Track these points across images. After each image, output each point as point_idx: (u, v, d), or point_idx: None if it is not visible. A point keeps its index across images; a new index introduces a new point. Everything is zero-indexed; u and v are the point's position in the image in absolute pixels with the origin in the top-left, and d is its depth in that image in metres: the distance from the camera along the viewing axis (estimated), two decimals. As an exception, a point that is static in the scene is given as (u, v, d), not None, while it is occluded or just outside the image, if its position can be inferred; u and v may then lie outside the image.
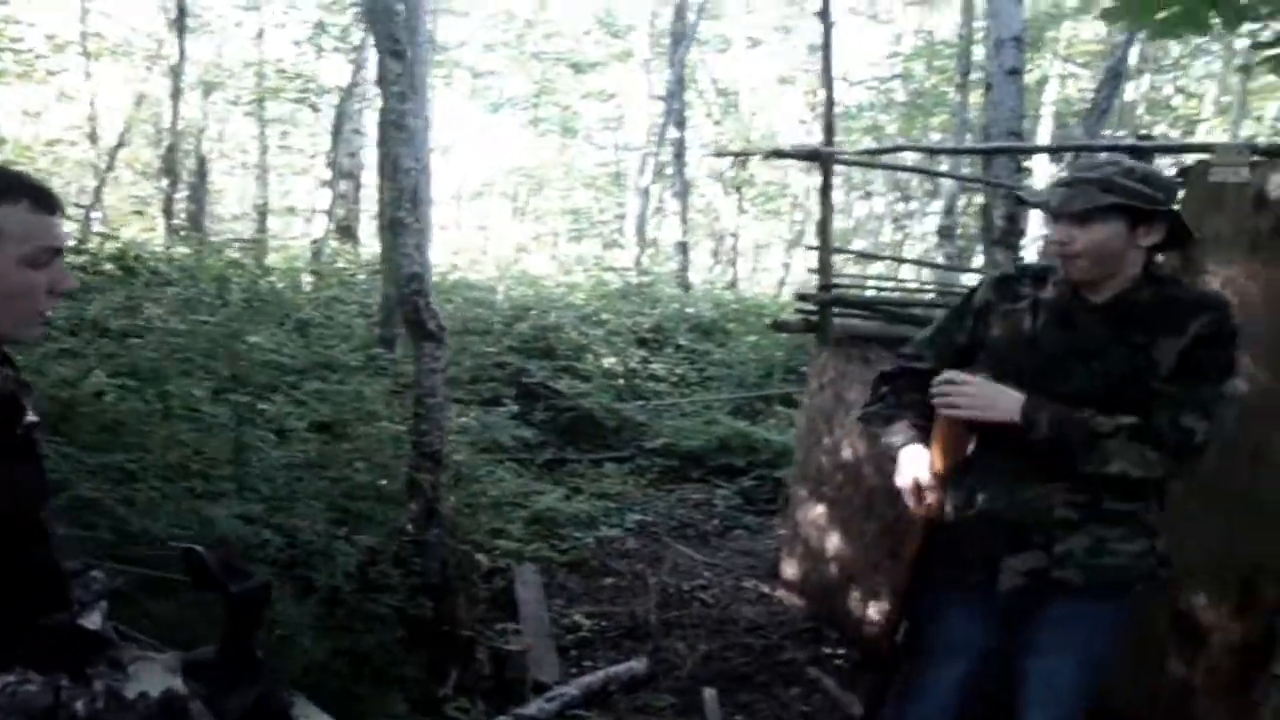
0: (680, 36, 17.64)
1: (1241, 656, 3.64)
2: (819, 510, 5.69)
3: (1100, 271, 2.58)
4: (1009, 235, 9.95)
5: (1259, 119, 21.27)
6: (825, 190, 5.86)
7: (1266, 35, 3.96)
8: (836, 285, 5.95)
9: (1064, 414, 2.54)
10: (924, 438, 2.74)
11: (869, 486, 5.38)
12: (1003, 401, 2.57)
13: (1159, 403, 2.52)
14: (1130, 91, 18.88)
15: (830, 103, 6.05)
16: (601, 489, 7.50)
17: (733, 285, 19.74)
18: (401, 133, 4.40)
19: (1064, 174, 2.70)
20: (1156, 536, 2.70)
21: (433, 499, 4.48)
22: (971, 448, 2.74)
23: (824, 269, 5.87)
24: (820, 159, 5.81)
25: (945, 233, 18.37)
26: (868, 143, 23.81)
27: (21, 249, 1.57)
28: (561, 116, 25.84)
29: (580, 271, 16.31)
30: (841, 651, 5.16)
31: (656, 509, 7.39)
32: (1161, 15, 3.95)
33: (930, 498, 2.67)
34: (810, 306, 5.97)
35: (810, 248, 6.51)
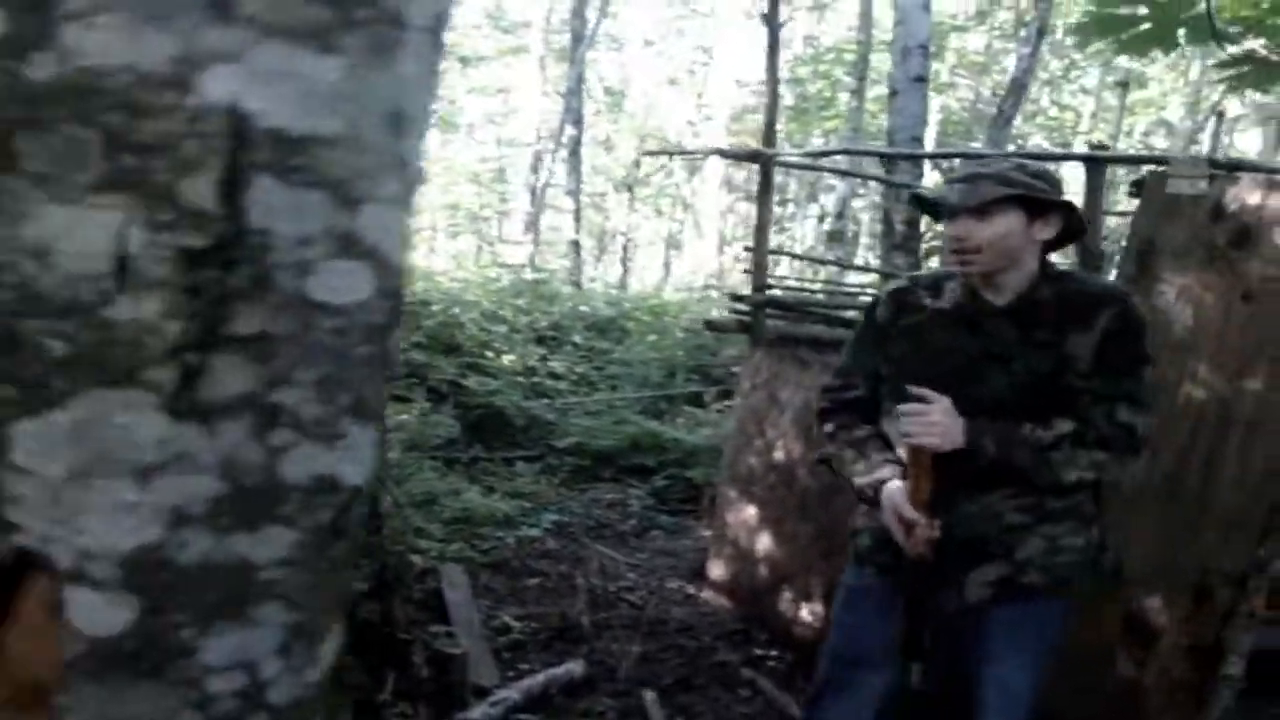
0: (580, 34, 17.54)
1: (1193, 658, 3.70)
2: (749, 511, 5.66)
3: (998, 266, 2.58)
4: (909, 239, 10.12)
5: (1129, 133, 22.04)
6: (764, 192, 5.83)
7: (1226, 56, 4.06)
8: (770, 286, 5.94)
9: (1006, 435, 2.54)
10: (897, 469, 2.70)
11: (803, 488, 5.37)
12: (954, 425, 2.56)
13: (1089, 401, 2.55)
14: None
15: (774, 104, 6.03)
16: (515, 488, 7.38)
17: (623, 284, 19.73)
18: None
19: (958, 172, 2.66)
20: (1095, 524, 2.73)
21: (375, 497, 4.33)
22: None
23: (759, 270, 5.86)
24: (761, 160, 5.79)
25: (835, 236, 18.66)
26: (754, 144, 24.10)
27: None
28: (444, 110, 25.53)
29: (468, 267, 16.08)
30: (774, 653, 5.13)
31: (572, 509, 7.29)
32: (1131, 33, 4.02)
33: (921, 533, 2.60)
34: (744, 307, 5.95)
35: (746, 249, 6.47)
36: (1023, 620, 2.69)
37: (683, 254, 25.10)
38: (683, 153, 19.51)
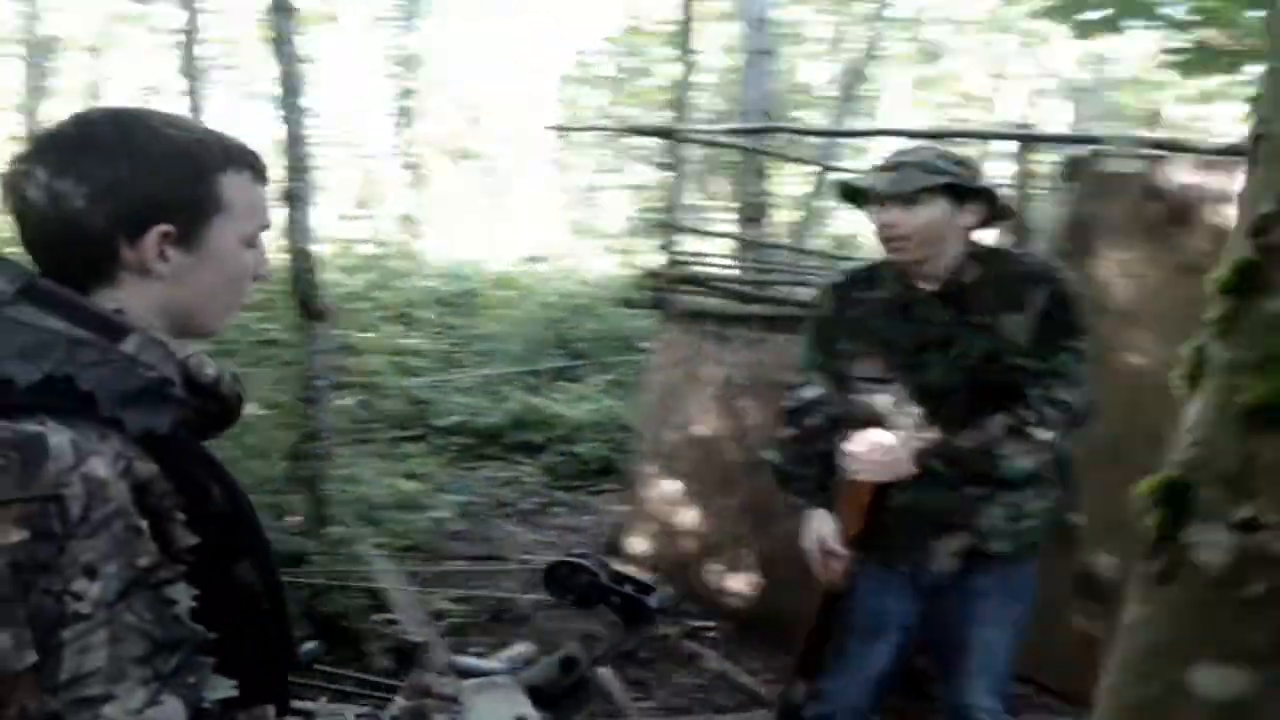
0: (415, 4, 17.23)
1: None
2: (671, 486, 5.72)
3: (927, 252, 2.66)
4: (757, 213, 10.34)
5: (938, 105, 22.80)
6: (674, 168, 5.87)
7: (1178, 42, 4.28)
8: (682, 263, 5.98)
9: (951, 449, 2.64)
10: (827, 499, 2.81)
11: (725, 463, 5.45)
12: (901, 457, 2.64)
13: (1027, 379, 2.65)
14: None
15: (686, 83, 6.06)
16: (409, 469, 7.26)
17: (460, 257, 19.50)
18: (295, 98, 4.10)
19: (885, 161, 2.73)
20: (1057, 488, 2.84)
21: (319, 485, 4.23)
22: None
23: (670, 247, 5.90)
24: (671, 136, 5.82)
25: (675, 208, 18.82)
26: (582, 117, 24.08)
27: (245, 227, 1.35)
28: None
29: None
30: (711, 624, 5.21)
31: (470, 489, 7.22)
32: (1094, 16, 4.20)
33: (838, 565, 2.72)
34: (657, 283, 5.98)
35: (659, 225, 6.50)
36: (997, 585, 2.81)
37: (512, 227, 24.96)
38: (588, 128, 19.33)
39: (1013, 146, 5.02)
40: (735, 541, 5.31)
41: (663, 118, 23.15)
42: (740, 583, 5.29)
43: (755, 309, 5.65)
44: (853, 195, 2.78)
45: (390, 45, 17.77)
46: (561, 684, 1.48)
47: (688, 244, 6.03)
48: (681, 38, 18.07)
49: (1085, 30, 4.35)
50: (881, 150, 3.73)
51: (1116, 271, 4.13)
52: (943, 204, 2.61)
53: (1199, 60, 4.07)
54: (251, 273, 1.40)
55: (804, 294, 5.21)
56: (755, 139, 7.67)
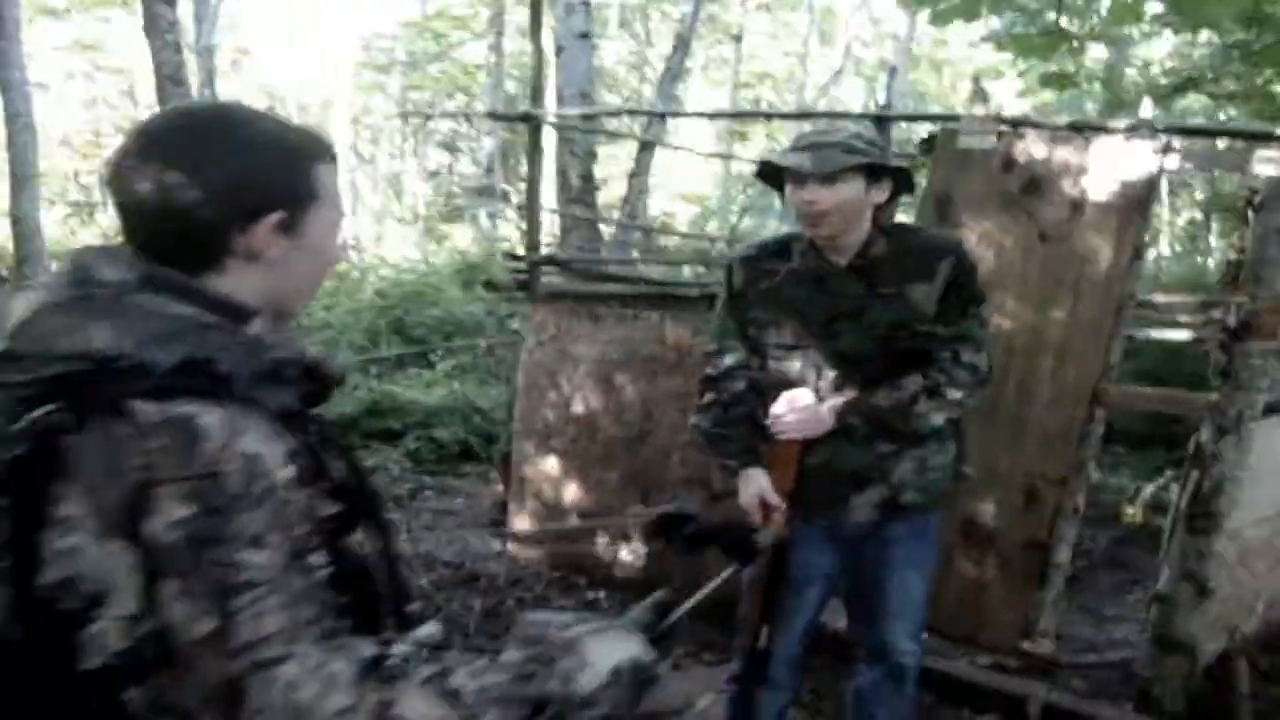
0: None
1: (1027, 553, 4.28)
2: (551, 463, 5.86)
3: (845, 228, 2.85)
4: (585, 193, 10.51)
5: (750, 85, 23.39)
6: (534, 152, 5.98)
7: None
8: (547, 244, 6.11)
9: (869, 407, 2.87)
10: (758, 458, 2.97)
11: (607, 437, 5.63)
12: (822, 415, 2.85)
13: (936, 345, 2.89)
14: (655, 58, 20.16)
15: (538, 66, 6.16)
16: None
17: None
18: (179, 87, 4.07)
19: (803, 140, 2.88)
20: (955, 441, 3.09)
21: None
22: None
23: (533, 229, 6.02)
24: (530, 120, 5.93)
25: (486, 191, 18.85)
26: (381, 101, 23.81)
27: (333, 214, 1.46)
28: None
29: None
30: (603, 594, 5.38)
31: (335, 477, 7.19)
32: (944, 5, 4.50)
33: (779, 518, 2.87)
34: (521, 266, 6.09)
35: (520, 208, 6.58)
36: (909, 533, 3.07)
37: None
38: (444, 114, 18.98)
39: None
40: (620, 514, 5.50)
41: (458, 103, 23.25)
42: (627, 553, 5.48)
43: (615, 288, 5.83)
44: (772, 174, 2.94)
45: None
46: (657, 627, 1.60)
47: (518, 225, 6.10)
48: (495, 22, 18.23)
49: (943, 16, 4.65)
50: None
51: (978, 241, 4.44)
52: (859, 182, 2.79)
53: (1048, 43, 4.41)
54: (335, 259, 1.51)
55: (661, 272, 5.40)
56: (596, 121, 7.81)
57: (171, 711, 1.19)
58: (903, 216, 5.14)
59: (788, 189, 2.89)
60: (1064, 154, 4.37)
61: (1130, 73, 12.25)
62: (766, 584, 2.97)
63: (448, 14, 21.75)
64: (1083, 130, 4.41)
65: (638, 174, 11.90)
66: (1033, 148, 4.45)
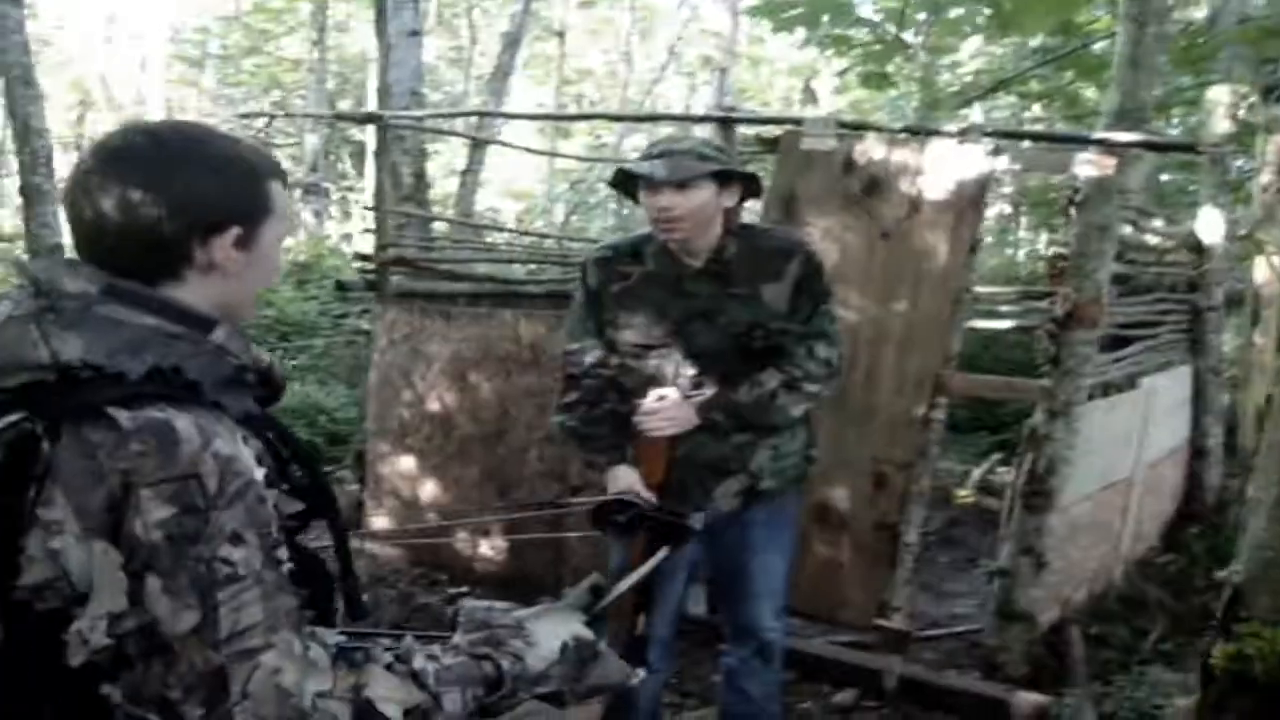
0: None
1: (877, 534, 4.52)
2: (407, 462, 5.88)
3: (698, 232, 2.99)
4: (417, 191, 10.49)
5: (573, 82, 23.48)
6: (380, 153, 5.99)
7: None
8: (395, 245, 6.10)
9: (732, 404, 3.01)
10: (625, 454, 3.05)
11: (462, 435, 5.69)
12: (689, 412, 2.97)
13: (791, 341, 3.05)
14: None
15: (384, 66, 6.15)
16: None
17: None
18: (30, 89, 3.98)
19: (656, 148, 2.99)
20: (805, 428, 3.27)
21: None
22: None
23: (381, 230, 6.02)
24: (377, 121, 5.94)
25: (312, 189, 18.52)
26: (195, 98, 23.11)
27: (282, 229, 1.55)
28: None
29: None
30: (465, 590, 5.44)
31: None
32: (788, 14, 4.69)
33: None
34: (370, 266, 6.09)
35: (368, 209, 6.57)
36: (769, 517, 3.23)
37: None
38: (291, 114, 18.32)
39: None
40: (479, 510, 5.56)
41: (274, 99, 22.72)
42: (487, 548, 5.56)
43: (464, 287, 5.89)
44: (625, 180, 3.05)
45: None
46: (593, 608, 1.73)
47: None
48: (318, 18, 17.88)
49: (785, 25, 4.86)
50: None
51: (822, 238, 4.66)
52: (711, 188, 2.92)
53: (885, 53, 4.66)
54: (280, 268, 1.59)
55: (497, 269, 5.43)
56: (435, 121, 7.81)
57: (151, 702, 1.25)
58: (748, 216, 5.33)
59: (642, 195, 2.99)
60: (901, 156, 4.62)
61: (944, 75, 12.79)
62: (646, 575, 3.09)
63: (266, 7, 21.22)
64: (919, 133, 4.67)
65: (471, 170, 11.92)
66: (872, 150, 4.68)
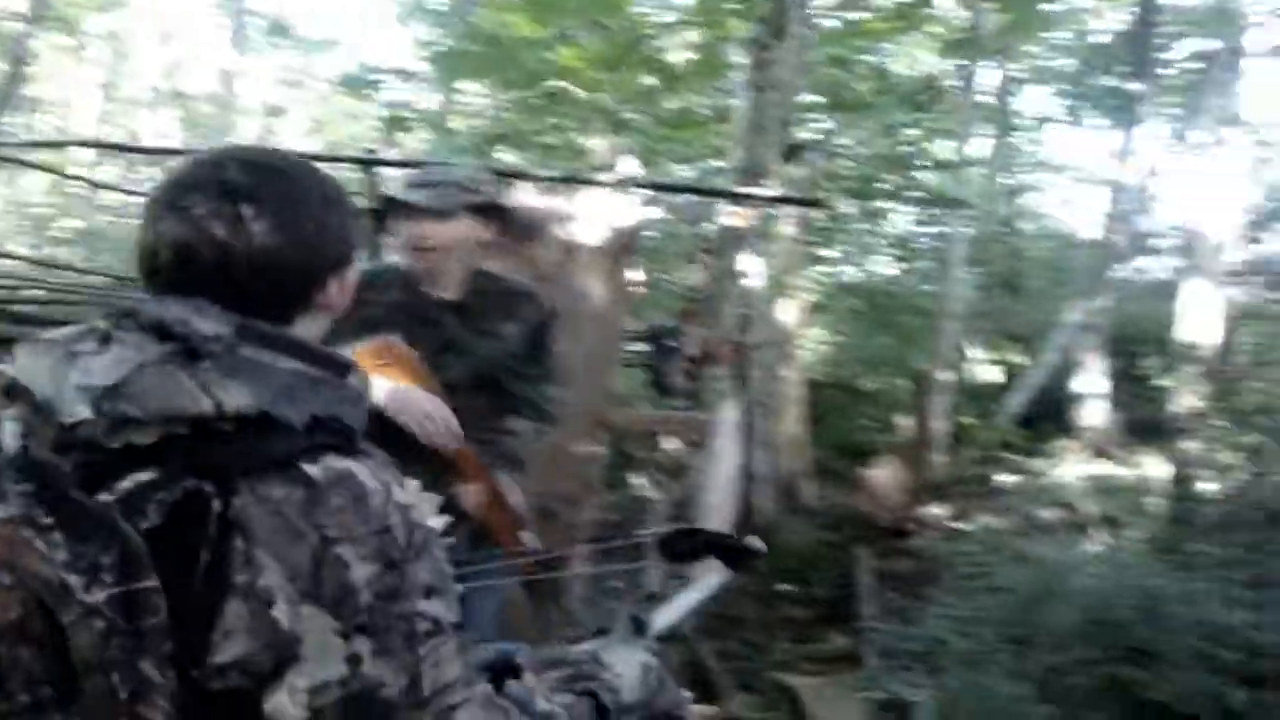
0: None
1: (543, 564, 4.65)
2: None
3: (453, 264, 2.99)
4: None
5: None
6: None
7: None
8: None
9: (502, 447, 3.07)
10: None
11: None
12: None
13: (524, 380, 3.14)
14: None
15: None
16: None
17: None
18: None
19: (420, 178, 2.97)
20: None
21: None
22: None
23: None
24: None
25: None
26: None
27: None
28: None
29: None
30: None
31: None
32: (462, 65, 4.71)
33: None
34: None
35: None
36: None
37: None
38: None
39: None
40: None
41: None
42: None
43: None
44: (387, 206, 2.97)
45: None
46: (645, 635, 1.78)
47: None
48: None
49: (455, 72, 4.90)
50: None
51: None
52: (471, 220, 2.90)
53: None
54: None
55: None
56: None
57: None
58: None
59: (401, 224, 2.92)
60: (554, 203, 4.82)
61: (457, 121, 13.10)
62: None
63: None
64: (571, 182, 4.90)
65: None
66: (524, 197, 4.84)
